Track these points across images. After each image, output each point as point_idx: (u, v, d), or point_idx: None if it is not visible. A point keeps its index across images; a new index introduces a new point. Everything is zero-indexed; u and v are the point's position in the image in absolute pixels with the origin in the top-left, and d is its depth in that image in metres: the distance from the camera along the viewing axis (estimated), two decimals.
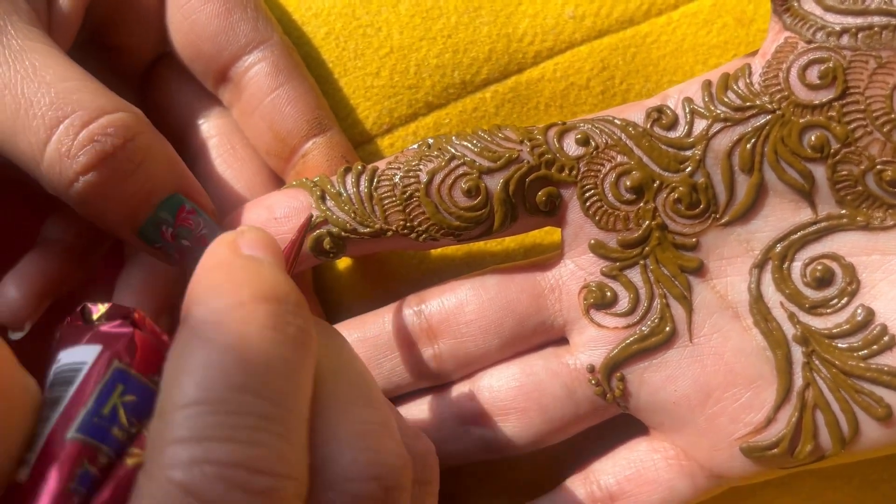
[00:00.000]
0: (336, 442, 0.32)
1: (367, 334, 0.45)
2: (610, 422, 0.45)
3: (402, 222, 0.42)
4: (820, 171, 0.39)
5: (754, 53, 0.40)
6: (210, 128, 0.48)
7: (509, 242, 0.49)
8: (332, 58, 0.49)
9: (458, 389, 0.45)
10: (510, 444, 0.44)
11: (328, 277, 0.50)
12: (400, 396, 0.46)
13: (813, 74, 0.38)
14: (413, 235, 0.42)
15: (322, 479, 0.31)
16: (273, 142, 0.46)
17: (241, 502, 0.27)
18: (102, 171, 0.38)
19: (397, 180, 0.41)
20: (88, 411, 0.30)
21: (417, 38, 0.48)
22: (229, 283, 0.31)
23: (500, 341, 0.44)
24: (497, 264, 0.47)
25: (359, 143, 0.49)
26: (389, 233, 0.42)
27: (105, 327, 0.32)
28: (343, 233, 0.42)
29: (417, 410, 0.46)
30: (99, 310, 0.33)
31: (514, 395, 0.44)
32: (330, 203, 0.42)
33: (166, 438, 0.28)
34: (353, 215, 0.42)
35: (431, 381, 0.46)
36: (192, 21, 0.45)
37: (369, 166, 0.42)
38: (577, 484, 0.45)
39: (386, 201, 0.42)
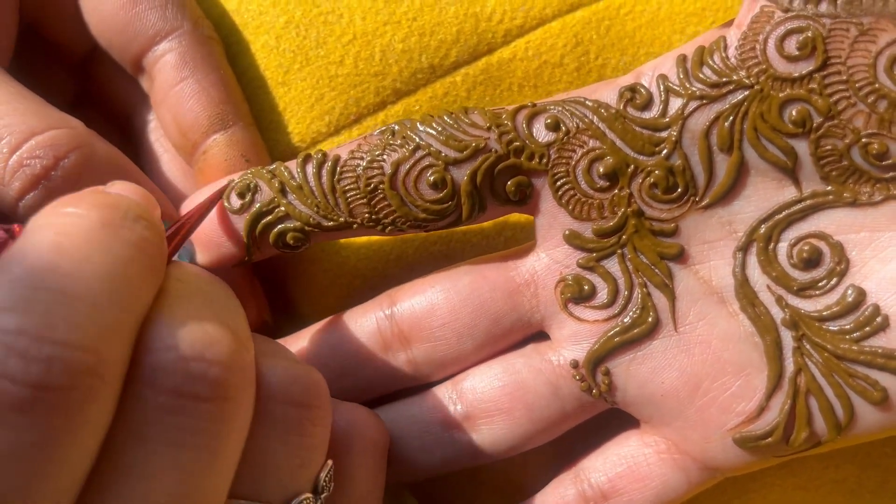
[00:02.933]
0: (153, 325, 0.31)
1: (341, 339, 0.44)
2: (599, 416, 0.44)
3: (367, 215, 0.40)
4: (803, 147, 0.37)
5: (730, 23, 0.38)
6: (152, 117, 0.48)
7: (486, 224, 0.47)
8: (293, 47, 0.47)
9: (441, 394, 0.44)
10: (498, 446, 0.43)
11: (304, 269, 0.49)
12: (382, 401, 0.45)
13: (791, 45, 0.36)
14: (379, 228, 0.41)
15: (142, 362, 0.31)
16: (177, 135, 0.45)
17: (18, 368, 0.27)
18: (40, 193, 0.38)
19: (360, 172, 0.40)
20: None
21: (381, 22, 0.46)
22: (73, 198, 0.32)
23: (474, 343, 0.42)
24: (471, 236, 0.46)
25: (326, 135, 0.47)
26: (355, 225, 0.40)
27: None
28: (307, 227, 0.40)
29: (401, 418, 0.44)
30: None
31: (497, 395, 0.42)
32: (291, 197, 0.40)
33: None
34: (316, 209, 0.40)
35: (409, 383, 0.44)
36: (100, 12, 0.44)
37: (331, 154, 0.40)
38: (567, 483, 0.44)
39: (350, 194, 0.40)
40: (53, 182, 0.38)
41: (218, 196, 0.41)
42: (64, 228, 0.30)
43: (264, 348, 0.37)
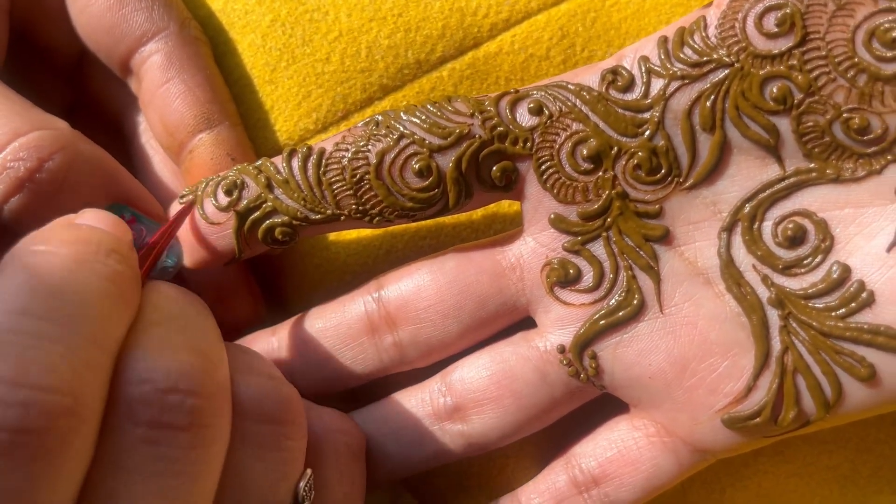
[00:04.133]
0: (128, 359, 0.32)
1: (328, 324, 0.44)
2: (589, 402, 0.43)
3: (354, 206, 0.40)
4: (784, 124, 0.37)
5: (710, 4, 0.39)
6: (142, 118, 0.48)
7: (475, 217, 0.47)
8: (280, 45, 0.47)
9: (431, 387, 0.44)
10: (489, 436, 0.43)
11: (295, 264, 0.49)
12: (372, 395, 0.45)
13: (770, 22, 0.36)
14: (367, 219, 0.41)
15: (119, 395, 0.31)
16: (164, 135, 0.45)
17: None
18: (24, 196, 0.38)
19: (346, 163, 0.40)
20: None
21: (367, 19, 0.47)
22: (42, 234, 0.33)
23: (460, 325, 0.42)
24: (461, 230, 0.46)
25: (314, 133, 0.47)
26: (342, 217, 0.40)
27: None
28: (294, 221, 0.40)
29: (392, 414, 0.44)
30: None
31: (486, 384, 0.42)
32: (278, 191, 0.40)
33: None
34: (302, 203, 0.40)
35: (397, 367, 0.44)
36: (87, 15, 0.44)
37: (316, 148, 0.40)
38: (558, 469, 0.43)
39: (336, 186, 0.40)
40: (37, 184, 0.38)
41: (186, 211, 0.41)
42: (36, 268, 0.31)
43: (238, 363, 0.37)
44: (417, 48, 0.47)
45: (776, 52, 0.37)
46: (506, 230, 0.46)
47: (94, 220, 0.35)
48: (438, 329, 0.42)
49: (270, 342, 0.45)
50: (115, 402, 0.31)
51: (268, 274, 0.49)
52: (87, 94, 0.49)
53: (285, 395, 0.37)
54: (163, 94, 0.44)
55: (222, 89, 0.46)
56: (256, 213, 0.41)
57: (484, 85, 0.47)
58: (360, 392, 0.46)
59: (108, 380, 0.31)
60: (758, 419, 0.39)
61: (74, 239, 0.32)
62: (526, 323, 0.43)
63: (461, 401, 0.43)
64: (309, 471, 0.38)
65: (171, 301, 0.36)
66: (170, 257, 0.42)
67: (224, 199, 0.41)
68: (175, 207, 0.43)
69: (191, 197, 0.42)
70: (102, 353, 0.30)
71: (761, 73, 0.37)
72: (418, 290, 0.43)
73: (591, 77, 0.39)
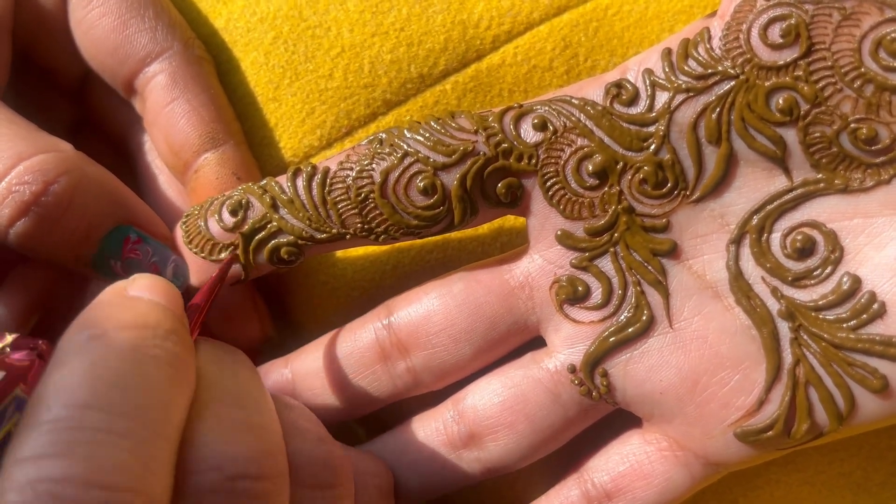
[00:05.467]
0: (192, 445, 0.31)
1: (340, 353, 0.44)
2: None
3: (359, 225, 0.40)
4: (791, 136, 0.37)
5: (714, 14, 0.38)
6: (147, 137, 0.48)
7: (482, 231, 0.47)
8: (282, 62, 0.47)
9: (444, 415, 0.44)
10: (506, 461, 0.43)
11: (302, 282, 0.49)
12: (386, 425, 0.45)
13: (775, 33, 0.36)
14: (372, 237, 0.40)
15: (187, 483, 0.31)
16: (169, 155, 0.45)
17: None
18: (30, 219, 0.38)
19: (350, 182, 0.40)
20: None
21: (369, 34, 0.46)
22: (98, 315, 0.32)
23: (472, 348, 0.42)
24: (467, 244, 0.46)
25: (319, 149, 0.47)
26: (348, 236, 0.40)
27: (12, 356, 0.33)
28: (300, 241, 0.40)
29: (407, 443, 0.44)
30: (6, 339, 0.34)
31: (498, 410, 0.42)
32: (283, 211, 0.40)
33: (11, 460, 0.28)
34: (308, 222, 0.40)
35: (411, 392, 0.44)
36: (91, 37, 0.44)
37: (320, 167, 0.40)
38: (570, 484, 0.43)
39: (341, 205, 0.40)
40: (43, 208, 0.38)
41: (225, 271, 0.41)
42: (95, 358, 0.30)
43: (288, 425, 0.37)
44: (420, 62, 0.46)
45: (781, 63, 0.36)
46: (512, 242, 0.46)
47: (148, 290, 0.34)
48: (451, 353, 0.42)
49: (284, 374, 0.45)
50: (183, 489, 0.31)
51: (275, 292, 0.49)
52: (93, 113, 0.49)
53: (336, 458, 0.37)
54: (167, 114, 0.44)
55: (226, 108, 0.46)
56: (262, 234, 0.41)
57: (487, 97, 0.47)
58: (370, 414, 0.46)
59: (173, 469, 0.30)
60: (770, 432, 0.38)
61: (133, 323, 0.32)
62: (534, 341, 0.43)
63: (475, 428, 0.43)
64: None
65: (223, 369, 0.35)
66: (176, 278, 0.42)
67: (229, 220, 0.41)
68: (179, 231, 0.42)
69: (233, 249, 0.41)
70: (168, 443, 0.30)
71: (767, 84, 0.37)
72: (428, 314, 0.42)
73: (595, 91, 0.39)
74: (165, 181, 0.48)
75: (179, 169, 0.45)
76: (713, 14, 0.38)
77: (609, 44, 0.46)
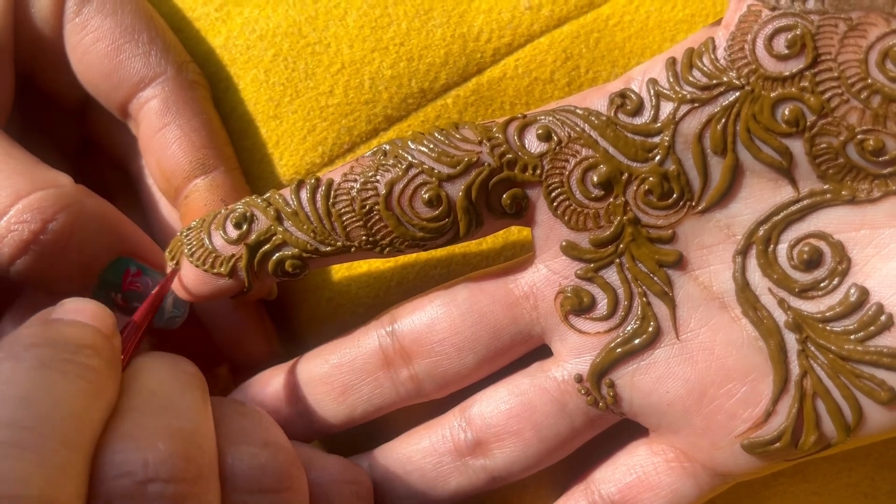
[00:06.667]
0: (105, 452, 0.32)
1: (343, 359, 0.44)
2: (608, 427, 0.43)
3: (364, 237, 0.40)
4: (797, 146, 0.37)
5: (718, 23, 0.38)
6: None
7: (486, 245, 0.47)
8: (283, 80, 0.47)
9: (450, 422, 0.43)
10: (512, 470, 0.43)
11: (306, 298, 0.48)
12: (392, 434, 0.45)
13: (780, 44, 0.36)
14: (377, 250, 0.40)
15: (99, 491, 0.31)
16: (161, 180, 0.45)
17: None
18: (29, 257, 0.39)
19: (355, 194, 0.39)
20: None
21: (369, 50, 0.46)
22: (13, 338, 0.33)
23: (476, 357, 0.42)
24: (471, 258, 0.45)
25: (320, 166, 0.47)
26: (353, 249, 0.40)
27: None
28: (304, 253, 0.40)
29: (413, 451, 0.44)
30: None
31: (505, 419, 0.42)
32: (288, 224, 0.40)
33: None
34: (312, 235, 0.40)
35: (414, 400, 0.44)
36: (86, 62, 0.44)
37: (324, 179, 0.40)
38: (577, 496, 0.43)
39: (345, 217, 0.39)
40: (42, 245, 0.39)
41: (165, 288, 0.41)
42: (3, 378, 0.31)
43: (231, 431, 0.37)
44: (421, 77, 0.46)
45: (787, 74, 0.36)
46: (517, 256, 0.46)
47: (72, 311, 0.35)
48: (454, 362, 0.42)
49: (287, 379, 0.45)
50: (96, 498, 0.31)
51: (280, 309, 0.49)
52: (94, 137, 0.49)
53: (281, 463, 0.37)
54: (159, 139, 0.44)
55: (219, 133, 0.46)
56: (267, 246, 0.40)
57: (489, 111, 0.47)
58: (371, 422, 0.45)
59: (86, 478, 0.31)
60: (778, 444, 0.38)
61: (41, 341, 0.33)
62: (540, 350, 0.43)
63: (482, 435, 0.42)
64: None
65: (152, 379, 0.36)
66: (176, 308, 0.42)
67: (234, 232, 0.40)
68: (168, 263, 0.43)
69: (173, 264, 0.42)
70: (76, 453, 0.30)
71: (772, 95, 0.36)
72: (432, 322, 0.42)
73: (599, 101, 0.39)
74: (167, 204, 0.48)
75: (171, 194, 0.45)
76: (717, 23, 0.38)
77: (610, 55, 0.47)
